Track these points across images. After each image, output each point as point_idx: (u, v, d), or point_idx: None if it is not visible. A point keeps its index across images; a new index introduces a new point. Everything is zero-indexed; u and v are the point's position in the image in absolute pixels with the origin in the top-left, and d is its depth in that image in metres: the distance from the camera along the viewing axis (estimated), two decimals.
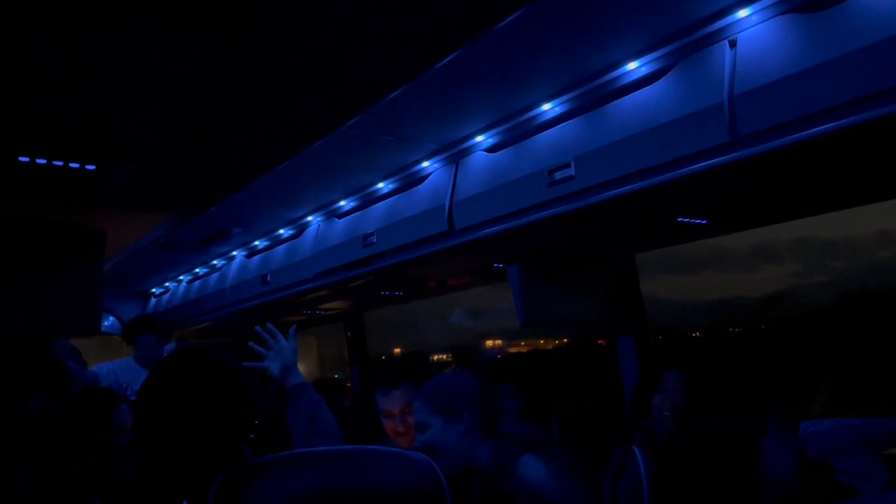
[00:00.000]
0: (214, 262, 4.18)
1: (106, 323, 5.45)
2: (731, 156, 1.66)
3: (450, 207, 2.44)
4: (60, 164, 2.05)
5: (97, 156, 2.05)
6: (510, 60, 1.84)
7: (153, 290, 5.03)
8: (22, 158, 2.00)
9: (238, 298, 3.86)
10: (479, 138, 2.37)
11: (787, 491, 1.65)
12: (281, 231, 3.50)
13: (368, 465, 1.17)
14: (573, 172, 2.00)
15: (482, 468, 1.92)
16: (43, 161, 2.03)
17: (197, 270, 4.41)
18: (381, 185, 2.81)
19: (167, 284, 4.85)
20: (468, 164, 2.43)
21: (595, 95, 1.99)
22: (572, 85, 2.00)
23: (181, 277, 4.63)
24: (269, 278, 3.52)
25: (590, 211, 2.03)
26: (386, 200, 2.82)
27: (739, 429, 1.76)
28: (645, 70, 1.88)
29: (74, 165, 2.06)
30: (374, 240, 2.77)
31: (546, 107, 2.12)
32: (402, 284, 3.50)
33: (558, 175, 2.05)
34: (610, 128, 1.93)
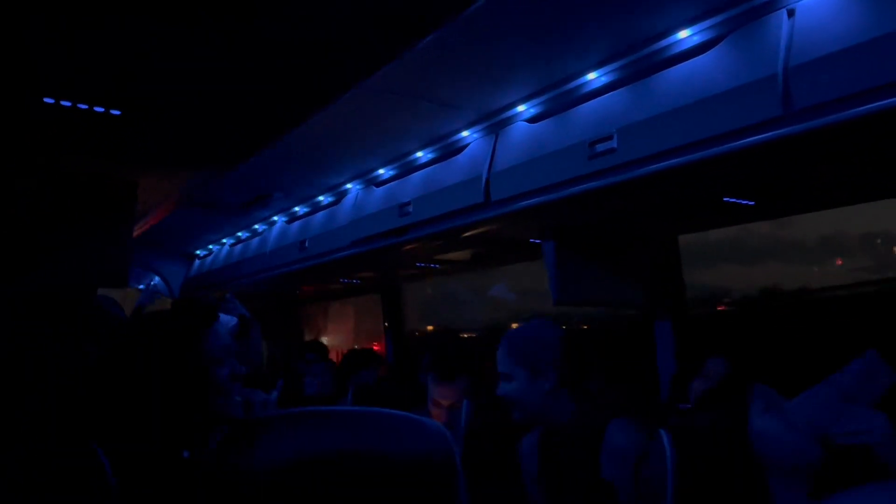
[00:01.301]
0: (256, 226, 4.23)
1: (152, 282, 5.61)
2: (783, 130, 1.58)
3: (487, 178, 2.39)
4: (85, 107, 2.02)
5: (122, 102, 2.04)
6: (555, 26, 1.78)
7: (198, 251, 5.14)
8: (47, 100, 1.97)
9: (277, 263, 3.90)
10: (521, 108, 2.31)
11: (797, 466, 1.51)
12: (320, 198, 3.51)
13: (379, 427, 1.15)
14: (615, 145, 1.94)
15: (565, 428, 1.85)
16: (67, 103, 1.99)
17: (240, 234, 4.48)
18: (419, 153, 2.79)
19: (211, 247, 4.95)
20: (508, 135, 2.38)
21: (642, 65, 1.92)
22: (619, 53, 1.93)
23: (224, 241, 4.71)
24: (307, 244, 3.54)
25: (631, 185, 1.96)
26: (424, 170, 2.79)
27: (727, 418, 1.65)
28: (696, 39, 1.79)
29: (99, 109, 2.04)
30: (411, 209, 2.75)
31: (591, 76, 2.05)
32: (437, 256, 3.48)
33: (600, 147, 1.98)
34: (656, 99, 1.85)
